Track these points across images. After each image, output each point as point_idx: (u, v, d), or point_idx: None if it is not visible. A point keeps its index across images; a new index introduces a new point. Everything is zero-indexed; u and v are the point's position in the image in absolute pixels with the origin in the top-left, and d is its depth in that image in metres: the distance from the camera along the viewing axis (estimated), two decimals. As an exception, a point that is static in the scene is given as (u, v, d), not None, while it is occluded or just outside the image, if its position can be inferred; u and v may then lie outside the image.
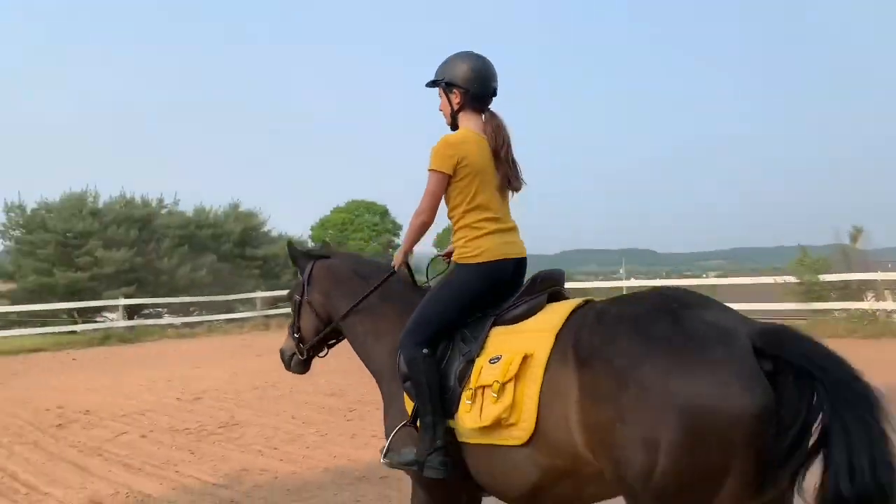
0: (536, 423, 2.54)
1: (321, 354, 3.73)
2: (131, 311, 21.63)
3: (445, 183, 3.13)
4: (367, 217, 43.54)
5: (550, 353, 2.60)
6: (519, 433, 2.59)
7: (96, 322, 22.97)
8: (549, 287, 3.00)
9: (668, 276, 27.65)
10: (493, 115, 3.24)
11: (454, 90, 3.21)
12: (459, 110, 3.24)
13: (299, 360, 3.69)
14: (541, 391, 2.56)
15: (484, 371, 2.78)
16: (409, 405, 3.00)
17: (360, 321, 3.43)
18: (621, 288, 17.63)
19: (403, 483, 4.43)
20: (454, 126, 3.27)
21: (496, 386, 2.67)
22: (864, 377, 2.13)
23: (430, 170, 3.13)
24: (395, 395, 3.15)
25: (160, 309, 27.21)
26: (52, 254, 25.98)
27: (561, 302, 2.92)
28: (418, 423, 2.95)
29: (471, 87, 3.18)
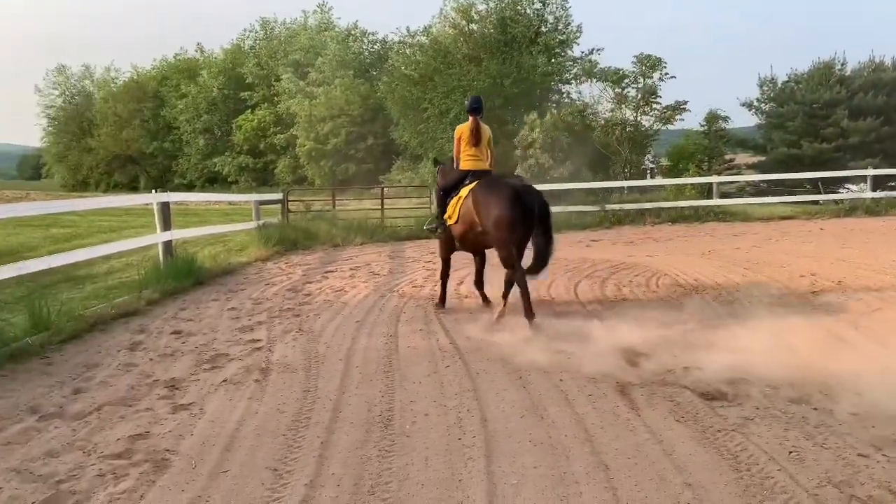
0: (458, 217, 7.39)
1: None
2: (876, 183, 20.15)
3: (458, 143, 7.82)
4: None
5: (466, 195, 7.28)
6: (454, 219, 7.46)
7: (838, 193, 22.26)
8: (481, 176, 7.44)
9: None
10: (475, 119, 7.71)
11: (466, 110, 7.97)
12: (469, 114, 7.77)
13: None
14: (460, 207, 7.34)
15: (452, 201, 7.57)
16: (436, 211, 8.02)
17: (442, 186, 8.02)
18: None
19: None
20: (466, 119, 7.88)
21: (452, 207, 7.51)
22: (542, 202, 6.84)
23: (454, 137, 7.97)
24: (436, 207, 8.19)
25: (906, 181, 24.78)
26: (800, 125, 25.96)
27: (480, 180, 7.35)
28: (437, 217, 7.98)
29: (468, 107, 7.82)
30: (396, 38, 42.21)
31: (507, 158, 27.40)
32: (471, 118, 7.74)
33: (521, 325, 6.69)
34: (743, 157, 32.19)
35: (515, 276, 6.91)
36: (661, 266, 10.59)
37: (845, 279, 8.92)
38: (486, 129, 7.84)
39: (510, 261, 6.89)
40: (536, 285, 9.45)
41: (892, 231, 14.37)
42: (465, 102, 8.05)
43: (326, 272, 11.16)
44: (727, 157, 30.37)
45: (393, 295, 9.01)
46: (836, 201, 20.40)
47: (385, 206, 17.88)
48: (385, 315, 7.76)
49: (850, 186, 23.79)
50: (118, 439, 4.35)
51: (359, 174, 41.50)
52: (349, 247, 14.81)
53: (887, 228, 14.94)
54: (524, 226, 6.77)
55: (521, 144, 24.92)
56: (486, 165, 7.71)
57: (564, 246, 13.84)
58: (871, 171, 20.25)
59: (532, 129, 24.95)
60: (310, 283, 10.14)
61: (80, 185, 58.31)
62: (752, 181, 25.61)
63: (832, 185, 24.33)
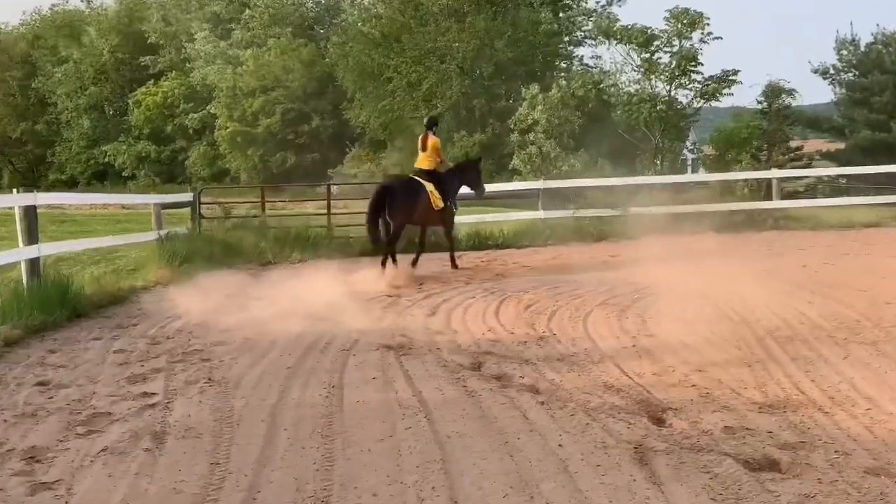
0: None
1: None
2: None
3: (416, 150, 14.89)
4: None
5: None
6: None
7: None
8: (419, 173, 13.94)
9: None
10: (427, 132, 14.16)
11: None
12: (425, 128, 14.47)
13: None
14: None
15: None
16: None
17: None
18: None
19: None
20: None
21: None
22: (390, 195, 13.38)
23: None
24: None
25: None
26: (891, 101, 25.55)
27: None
28: None
29: (425, 123, 14.67)
30: (351, -15, 42.40)
31: (501, 145, 27.39)
32: (426, 131, 14.06)
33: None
34: (814, 143, 31.86)
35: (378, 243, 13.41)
36: (700, 289, 10.70)
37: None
38: (433, 141, 13.85)
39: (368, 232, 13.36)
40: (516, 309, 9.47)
41: None
42: (425, 121, 14.84)
43: (251, 299, 11.13)
44: (793, 143, 30.47)
45: (340, 331, 8.98)
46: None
47: (334, 210, 17.96)
48: (328, 358, 7.75)
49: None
50: (-49, 532, 4.29)
51: (300, 167, 41.50)
52: (284, 265, 14.75)
53: None
54: (377, 209, 13.03)
55: (517, 127, 24.97)
56: (426, 165, 13.83)
57: (574, 264, 14.11)
58: None
59: (533, 106, 25.06)
60: (227, 314, 10.08)
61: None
62: (827, 176, 25.70)
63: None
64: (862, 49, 27.52)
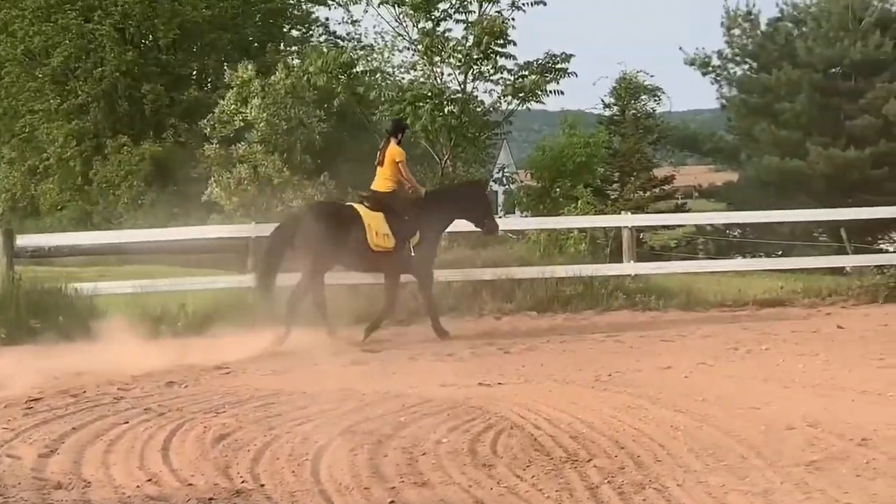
0: None
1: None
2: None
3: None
4: None
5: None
6: None
7: (877, 252, 23.10)
8: (371, 198, 14.48)
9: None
10: (386, 138, 14.57)
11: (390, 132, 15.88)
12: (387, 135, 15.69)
13: None
14: None
15: None
16: None
17: None
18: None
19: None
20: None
21: None
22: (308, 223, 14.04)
23: None
24: None
25: None
26: (806, 109, 24.14)
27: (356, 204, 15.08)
28: None
29: (388, 129, 16.86)
30: None
31: (189, 162, 25.37)
32: (387, 138, 14.44)
33: None
34: (693, 172, 31.85)
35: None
36: (507, 408, 10.13)
37: (877, 434, 8.52)
38: (392, 152, 13.84)
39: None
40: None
41: None
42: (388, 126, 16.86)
43: None
44: (658, 171, 31.34)
45: None
46: (876, 269, 19.82)
47: None
48: None
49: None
50: None
51: None
52: None
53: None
54: (277, 247, 13.99)
55: (217, 133, 24.36)
56: (382, 186, 13.93)
57: (301, 363, 13.19)
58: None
59: (244, 98, 24.63)
60: None
61: None
62: (709, 225, 25.75)
63: (866, 234, 24.27)
64: (763, 28, 26.15)
